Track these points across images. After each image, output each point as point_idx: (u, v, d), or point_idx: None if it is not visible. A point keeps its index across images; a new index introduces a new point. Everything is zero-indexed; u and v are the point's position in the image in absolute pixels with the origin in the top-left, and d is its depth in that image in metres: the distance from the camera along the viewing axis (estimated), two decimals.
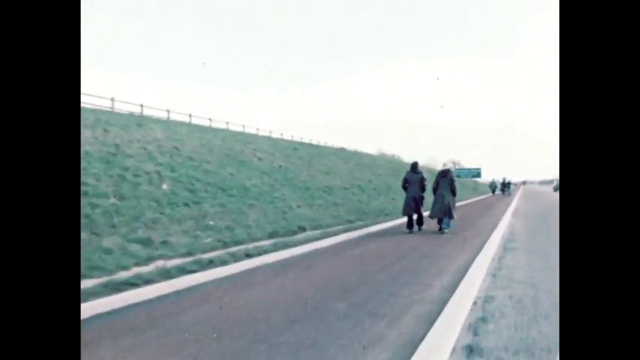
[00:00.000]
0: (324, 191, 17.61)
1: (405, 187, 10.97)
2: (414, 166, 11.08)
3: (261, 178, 15.31)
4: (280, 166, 17.96)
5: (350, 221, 13.69)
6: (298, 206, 13.85)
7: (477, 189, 55.67)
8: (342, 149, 34.72)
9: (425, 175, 10.98)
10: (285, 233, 10.09)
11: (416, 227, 10.77)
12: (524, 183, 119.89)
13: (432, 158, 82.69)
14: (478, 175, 53.58)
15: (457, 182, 11.24)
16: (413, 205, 10.62)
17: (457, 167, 62.77)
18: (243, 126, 30.43)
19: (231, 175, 14.05)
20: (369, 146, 60.04)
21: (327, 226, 11.88)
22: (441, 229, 10.54)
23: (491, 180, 48.40)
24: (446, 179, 10.87)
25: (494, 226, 12.38)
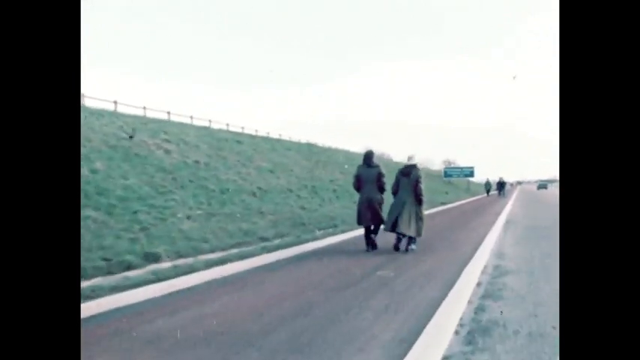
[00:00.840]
0: (254, 194, 13.16)
1: (357, 188, 7.95)
2: (368, 158, 7.93)
3: (151, 177, 10.88)
4: (196, 162, 13.54)
5: (264, 239, 9.35)
6: (188, 217, 9.40)
7: (470, 189, 51.81)
8: (311, 144, 30.28)
9: (383, 170, 7.89)
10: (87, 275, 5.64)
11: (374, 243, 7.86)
12: (519, 183, 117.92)
13: (428, 159, 78.81)
14: (471, 174, 49.61)
15: (423, 184, 7.77)
16: (369, 213, 7.64)
17: (452, 166, 58.41)
18: (191, 117, 25.92)
19: (93, 172, 9.58)
20: (369, 146, 56.30)
21: (212, 250, 7.73)
22: (397, 247, 7.56)
23: (485, 180, 45.26)
24: (409, 179, 7.64)
25: (475, 248, 7.93)
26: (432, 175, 53.91)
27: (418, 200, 7.56)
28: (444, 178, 51.39)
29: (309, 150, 27.03)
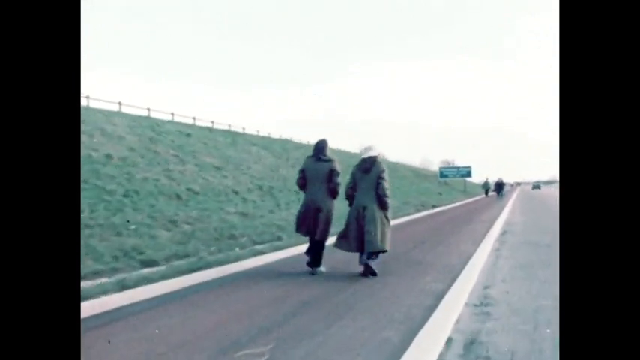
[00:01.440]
0: (177, 197, 10.27)
1: (302, 186, 6.01)
2: (319, 149, 5.90)
3: None
4: (108, 157, 10.68)
5: (148, 263, 6.60)
6: None
7: (466, 190, 48.84)
8: (286, 140, 27.37)
9: (337, 166, 5.82)
10: None
11: (319, 265, 5.74)
12: (519, 184, 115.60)
13: (427, 159, 75.45)
14: (468, 174, 46.96)
15: (387, 182, 5.66)
16: (311, 219, 5.69)
17: (450, 166, 55.63)
18: (148, 109, 23.00)
19: None
20: (368, 146, 53.47)
21: None
22: (366, 270, 5.41)
23: (484, 180, 42.86)
24: (369, 176, 5.64)
25: (449, 282, 5.04)
26: (426, 175, 51.03)
27: (382, 203, 5.51)
28: (440, 179, 48.73)
29: (282, 146, 24.08)
